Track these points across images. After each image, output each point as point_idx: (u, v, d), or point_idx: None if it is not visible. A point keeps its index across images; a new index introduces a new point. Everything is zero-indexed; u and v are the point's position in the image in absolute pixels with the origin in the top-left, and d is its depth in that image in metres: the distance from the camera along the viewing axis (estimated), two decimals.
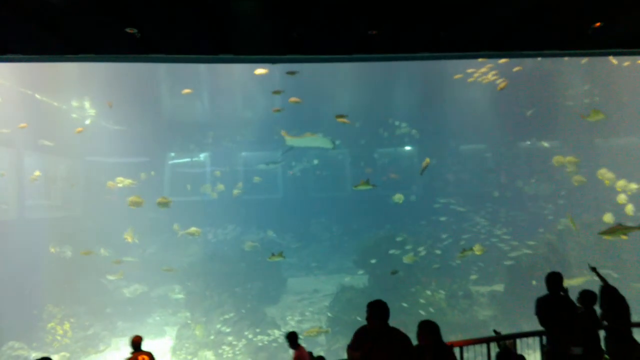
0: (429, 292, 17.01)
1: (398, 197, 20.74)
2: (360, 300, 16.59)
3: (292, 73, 13.66)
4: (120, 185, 18.44)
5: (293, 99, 15.90)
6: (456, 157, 27.51)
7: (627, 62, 20.15)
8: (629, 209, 16.42)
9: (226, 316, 16.89)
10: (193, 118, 25.96)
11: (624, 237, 9.94)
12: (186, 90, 17.98)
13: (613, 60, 19.47)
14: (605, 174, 18.18)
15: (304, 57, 5.72)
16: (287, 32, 4.99)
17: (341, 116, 14.42)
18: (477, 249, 14.78)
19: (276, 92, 15.46)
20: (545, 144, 22.46)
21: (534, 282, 15.23)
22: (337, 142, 25.24)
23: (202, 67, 21.66)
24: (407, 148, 28.60)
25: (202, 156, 28.09)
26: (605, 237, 10.04)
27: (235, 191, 23.61)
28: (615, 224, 10.10)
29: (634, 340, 5.44)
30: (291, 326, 17.46)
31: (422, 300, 16.31)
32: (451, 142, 27.03)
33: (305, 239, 25.77)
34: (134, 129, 23.19)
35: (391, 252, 18.11)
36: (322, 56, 5.77)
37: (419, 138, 26.39)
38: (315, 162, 27.50)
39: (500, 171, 26.04)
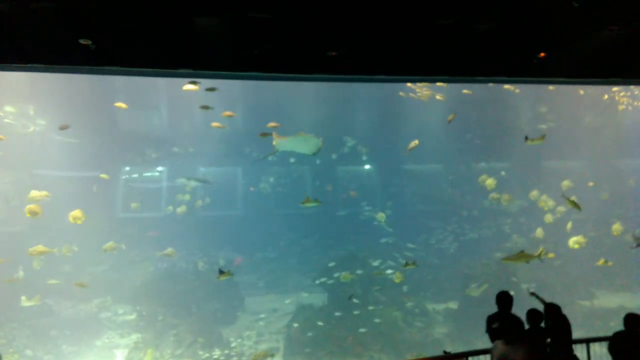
0: (386, 310, 17.13)
1: (380, 216, 21.13)
2: (319, 319, 16.50)
3: (211, 89, 13.36)
4: (36, 198, 16.23)
5: (226, 112, 15.67)
6: (414, 176, 28.20)
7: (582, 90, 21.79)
8: (569, 226, 17.47)
9: (179, 337, 16.30)
10: (150, 132, 25.40)
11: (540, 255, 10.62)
12: (119, 104, 17.23)
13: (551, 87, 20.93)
14: (536, 195, 19.50)
15: (265, 74, 5.74)
16: (248, 50, 5.01)
17: (265, 134, 14.42)
18: (397, 277, 15.21)
19: (204, 107, 14.91)
20: (503, 173, 23.52)
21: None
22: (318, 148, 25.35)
23: (161, 80, 21.31)
24: (367, 167, 29.05)
25: (159, 171, 27.38)
26: (507, 262, 10.64)
27: (181, 209, 23.22)
28: (518, 251, 10.64)
29: (575, 356, 5.74)
30: (248, 347, 17.08)
31: (377, 320, 16.36)
32: (409, 161, 27.74)
33: (264, 257, 25.44)
34: (86, 141, 22.33)
35: (350, 271, 18.11)
36: (282, 74, 5.83)
37: (378, 156, 26.94)
38: (272, 179, 27.42)
39: (457, 190, 26.81)
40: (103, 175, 19.34)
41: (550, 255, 16.31)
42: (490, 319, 5.77)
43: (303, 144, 14.26)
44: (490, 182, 17.86)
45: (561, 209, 19.37)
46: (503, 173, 23.40)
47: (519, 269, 18.89)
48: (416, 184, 27.82)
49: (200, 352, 15.87)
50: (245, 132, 21.24)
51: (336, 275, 17.97)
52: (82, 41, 4.68)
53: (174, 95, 21.13)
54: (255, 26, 4.36)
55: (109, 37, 4.70)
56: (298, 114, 22.55)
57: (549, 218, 18.73)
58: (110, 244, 16.34)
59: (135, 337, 17.39)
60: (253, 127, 19.01)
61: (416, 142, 15.47)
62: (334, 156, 26.10)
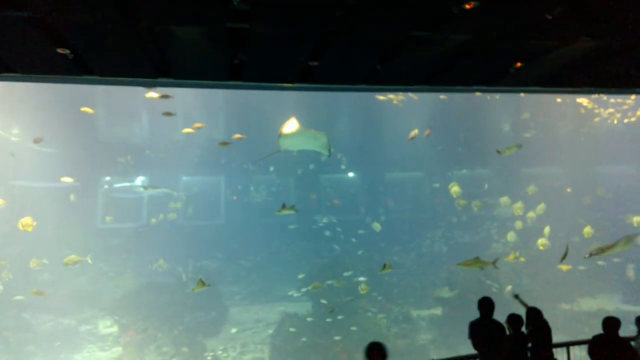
0: (370, 317, 17.12)
1: (375, 226, 21.35)
2: (304, 329, 16.40)
3: (165, 97, 13.28)
4: None
5: (197, 124, 15.69)
6: (398, 184, 28.41)
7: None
8: (547, 231, 17.80)
9: (162, 350, 16.01)
10: (131, 141, 25.11)
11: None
12: (85, 109, 16.90)
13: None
14: (506, 201, 19.89)
15: (246, 84, 5.73)
16: (229, 59, 5.00)
17: (224, 143, 14.65)
18: (362, 288, 15.32)
19: (166, 114, 14.77)
20: (486, 186, 23.77)
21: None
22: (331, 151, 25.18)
23: (141, 89, 21.14)
24: (350, 174, 29.17)
25: (140, 181, 27.01)
26: (462, 267, 10.82)
27: (154, 220, 23.02)
28: (473, 257, 10.76)
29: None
30: (232, 357, 16.86)
31: (362, 327, 16.32)
32: (391, 169, 27.97)
33: (247, 267, 25.23)
34: (65, 151, 21.94)
35: (330, 281, 18.00)
36: (263, 84, 5.82)
37: (360, 165, 27.08)
38: (252, 188, 27.33)
39: (443, 197, 27.00)
40: (66, 179, 18.73)
41: (522, 259, 16.68)
42: (473, 325, 5.82)
43: (312, 141, 12.32)
44: (455, 189, 18.11)
45: (531, 214, 19.76)
46: (486, 186, 23.71)
47: (501, 275, 19.11)
48: (401, 192, 28.04)
49: None
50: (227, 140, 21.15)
51: (317, 288, 17.88)
52: (59, 50, 4.61)
53: (153, 104, 21.00)
54: (234, 36, 4.36)
55: (87, 47, 4.64)
56: (280, 122, 22.55)
57: (519, 225, 19.19)
58: (72, 257, 15.10)
59: (116, 350, 17.03)
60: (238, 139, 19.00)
61: (416, 131, 15.64)
62: (311, 166, 26.13)
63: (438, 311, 18.64)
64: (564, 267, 15.86)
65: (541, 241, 16.86)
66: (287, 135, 11.54)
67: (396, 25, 4.15)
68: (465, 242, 24.53)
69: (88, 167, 23.54)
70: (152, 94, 13.17)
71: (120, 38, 4.40)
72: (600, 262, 18.93)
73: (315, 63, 5.08)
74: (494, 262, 10.52)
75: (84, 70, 5.11)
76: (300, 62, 5.06)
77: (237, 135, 15.54)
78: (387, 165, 27.44)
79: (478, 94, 21.40)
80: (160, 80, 5.52)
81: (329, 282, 17.38)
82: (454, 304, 17.53)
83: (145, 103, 21.75)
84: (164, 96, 13.03)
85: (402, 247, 24.71)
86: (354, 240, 23.86)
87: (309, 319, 16.92)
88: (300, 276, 19.44)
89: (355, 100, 23.58)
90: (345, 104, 24.27)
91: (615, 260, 19.57)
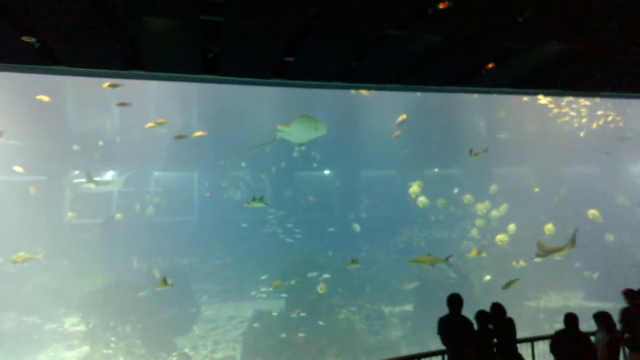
0: (344, 315, 17.23)
1: (355, 226, 21.57)
2: (276, 325, 16.37)
3: (114, 86, 13.03)
4: None
5: (160, 120, 15.50)
6: (371, 182, 28.61)
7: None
8: (512, 228, 18.27)
9: (131, 348, 15.71)
10: (101, 134, 24.46)
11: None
12: (41, 97, 16.24)
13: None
14: (470, 199, 20.42)
15: (220, 78, 5.65)
16: (203, 52, 4.92)
17: (180, 136, 14.59)
18: (321, 288, 15.52)
19: (121, 104, 14.45)
20: (455, 191, 24.11)
21: None
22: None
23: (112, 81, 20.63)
24: (326, 172, 29.22)
25: (111, 176, 26.31)
26: (414, 263, 11.07)
27: (119, 215, 22.62)
28: (425, 254, 10.92)
29: (519, 355, 6.02)
30: (203, 356, 16.69)
31: (334, 324, 16.40)
32: (367, 167, 28.16)
33: (219, 264, 24.96)
34: (31, 144, 21.17)
35: (307, 276, 18.03)
36: (238, 78, 5.75)
37: (335, 163, 27.14)
38: (224, 184, 27.07)
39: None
40: (17, 169, 18.02)
41: (484, 254, 17.13)
42: (442, 321, 5.93)
43: (312, 132, 11.79)
44: (414, 189, 18.44)
45: (495, 213, 20.26)
46: (456, 191, 24.13)
47: (472, 271, 19.54)
48: (376, 190, 28.24)
49: None
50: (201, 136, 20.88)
51: (292, 281, 17.91)
52: (25, 39, 4.44)
53: (123, 97, 20.57)
54: (208, 29, 4.30)
55: (54, 36, 4.49)
56: (255, 118, 22.47)
57: (480, 222, 19.69)
58: (22, 254, 14.37)
59: (83, 349, 16.61)
60: (210, 131, 18.77)
61: (404, 116, 15.79)
62: (283, 164, 26.05)
63: (409, 307, 18.91)
64: (522, 262, 16.35)
65: (500, 237, 17.29)
66: (288, 125, 11.46)
67: (371, 22, 4.18)
68: (442, 238, 24.93)
69: (55, 160, 22.83)
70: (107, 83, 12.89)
71: (90, 27, 4.26)
72: (539, 260, 19.41)
73: (291, 59, 5.06)
74: (446, 259, 10.67)
75: (51, 61, 4.94)
76: (276, 57, 5.03)
77: (199, 133, 15.66)
78: (362, 163, 27.59)
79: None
80: (131, 72, 5.39)
81: (293, 281, 17.42)
82: (425, 300, 17.81)
83: (115, 95, 21.27)
84: (113, 85, 12.77)
85: (376, 244, 24.89)
86: (327, 237, 23.93)
87: (275, 315, 16.91)
88: (263, 277, 19.47)
89: (330, 98, 23.57)
90: (320, 101, 24.25)
91: (557, 258, 20.22)
